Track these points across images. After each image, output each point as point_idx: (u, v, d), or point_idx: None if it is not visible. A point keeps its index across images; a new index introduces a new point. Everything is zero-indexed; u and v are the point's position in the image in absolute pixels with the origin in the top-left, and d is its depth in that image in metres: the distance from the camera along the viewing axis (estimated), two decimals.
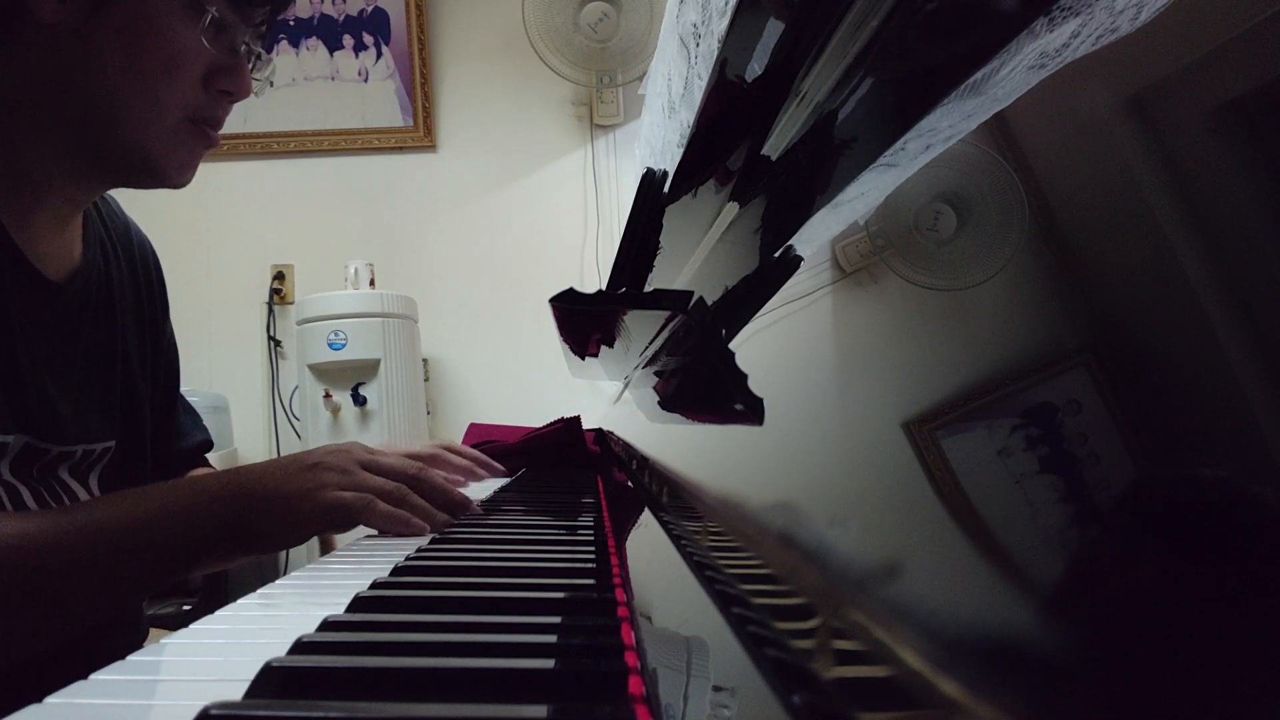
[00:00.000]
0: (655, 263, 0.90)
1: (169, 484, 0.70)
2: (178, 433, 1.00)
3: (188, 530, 0.66)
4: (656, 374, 0.84)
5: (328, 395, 2.45)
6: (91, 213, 0.87)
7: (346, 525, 0.69)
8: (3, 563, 0.59)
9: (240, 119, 2.85)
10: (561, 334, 0.93)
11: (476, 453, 1.10)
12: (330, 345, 2.43)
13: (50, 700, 0.29)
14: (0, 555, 0.58)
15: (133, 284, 0.92)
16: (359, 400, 2.45)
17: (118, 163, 0.77)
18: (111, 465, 0.85)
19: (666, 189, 0.86)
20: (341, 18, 2.95)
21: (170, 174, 0.79)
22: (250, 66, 0.81)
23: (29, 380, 0.74)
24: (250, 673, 0.30)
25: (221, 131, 0.81)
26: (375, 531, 0.71)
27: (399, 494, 0.71)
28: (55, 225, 0.79)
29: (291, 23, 2.93)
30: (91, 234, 0.86)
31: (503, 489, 1.06)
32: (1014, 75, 0.32)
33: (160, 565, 0.66)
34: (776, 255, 0.57)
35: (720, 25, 0.89)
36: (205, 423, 1.07)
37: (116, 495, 0.69)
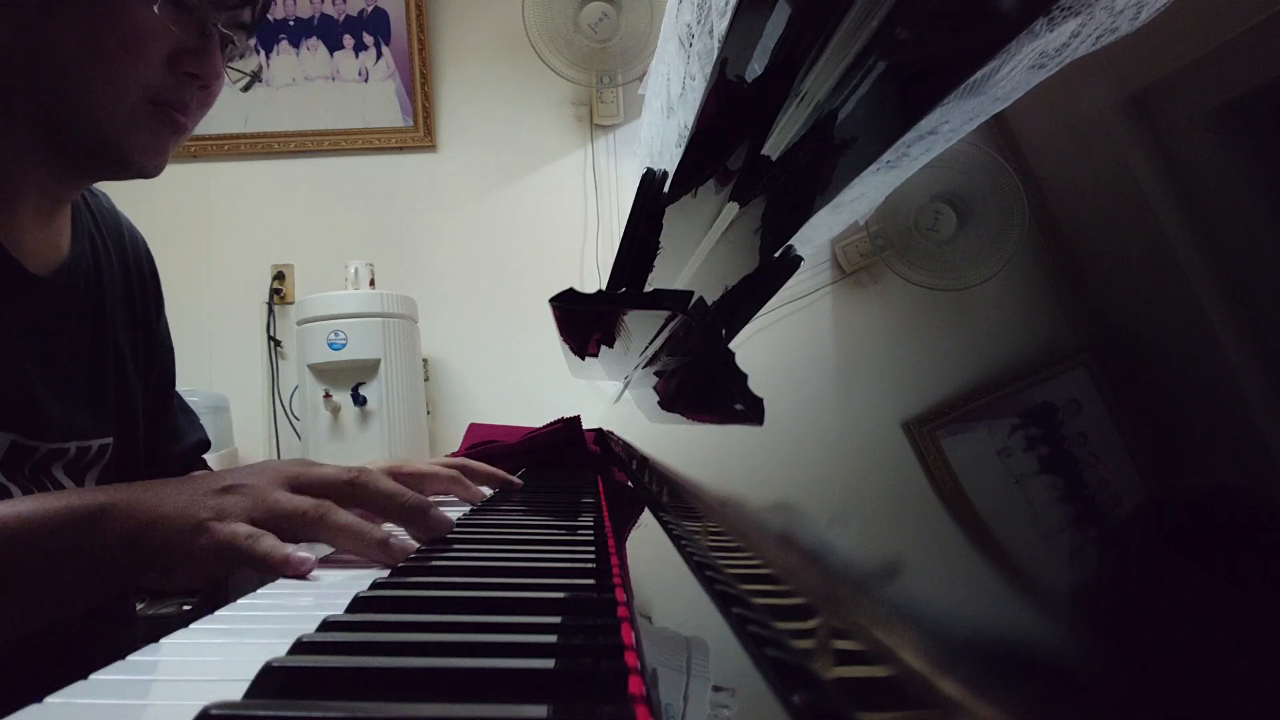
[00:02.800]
0: (655, 263, 0.90)
1: (48, 494, 0.58)
2: (174, 433, 0.98)
3: (57, 554, 0.54)
4: (656, 374, 0.84)
5: (328, 395, 2.45)
6: (81, 207, 0.86)
7: (247, 566, 0.55)
8: None
9: (240, 119, 2.85)
10: (561, 334, 0.93)
11: (495, 470, 1.06)
12: (330, 345, 2.43)
13: (50, 700, 0.29)
14: None
15: (124, 279, 0.90)
16: (359, 400, 2.45)
17: (81, 148, 0.74)
18: (112, 464, 0.84)
19: (666, 189, 0.86)
20: (341, 18, 2.95)
21: (134, 159, 0.75)
22: (225, 53, 0.78)
23: (11, 376, 0.72)
24: (250, 673, 0.30)
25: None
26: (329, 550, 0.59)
27: (317, 515, 0.58)
28: (38, 220, 0.78)
29: (291, 23, 2.93)
30: (81, 229, 0.85)
31: (503, 489, 1.06)
32: (1014, 75, 0.32)
33: (32, 596, 0.54)
34: (776, 255, 0.57)
35: (719, 25, 0.89)
36: (205, 423, 1.05)
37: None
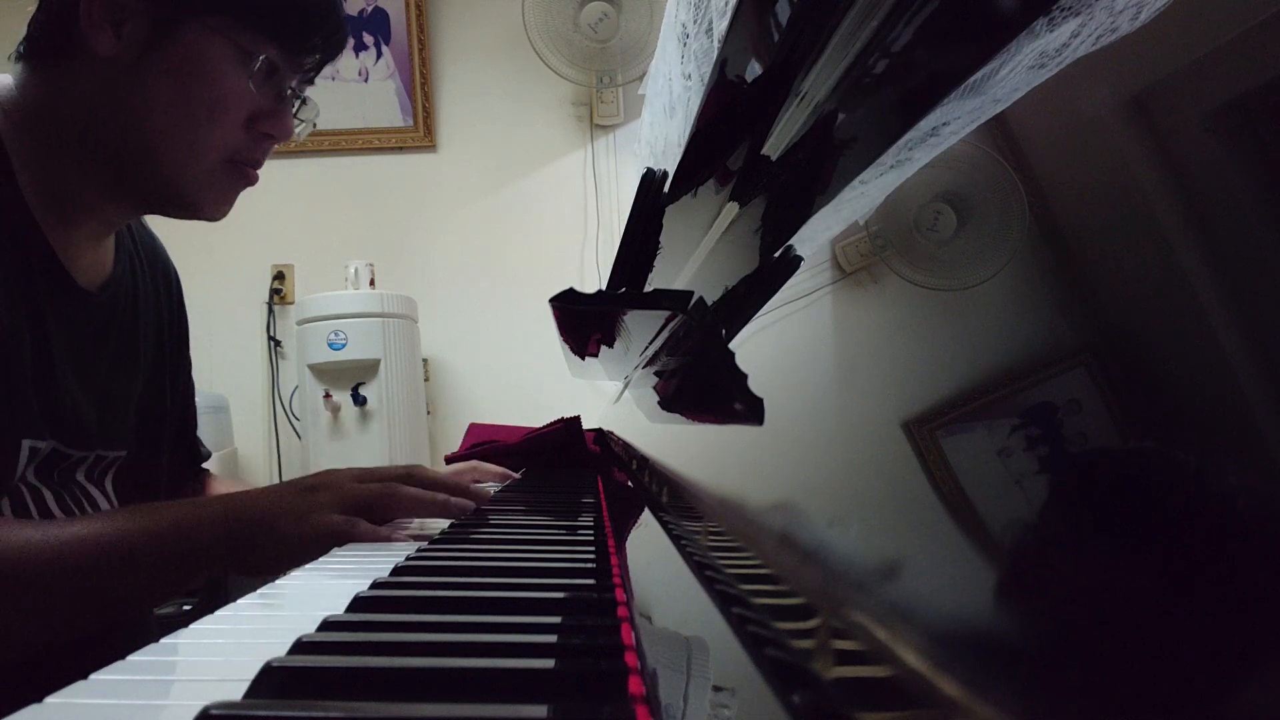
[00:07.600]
0: (655, 263, 0.90)
1: (169, 504, 0.71)
2: (190, 451, 1.03)
3: (187, 549, 0.66)
4: (656, 374, 0.84)
5: (328, 395, 2.45)
6: (123, 230, 0.89)
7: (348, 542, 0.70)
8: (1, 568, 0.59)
9: None
10: (561, 334, 0.93)
11: (501, 469, 1.13)
12: (330, 345, 2.43)
13: (50, 700, 0.29)
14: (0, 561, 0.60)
15: (155, 305, 0.94)
16: (359, 400, 2.44)
17: (154, 195, 0.79)
18: (124, 469, 0.87)
19: (666, 189, 0.86)
20: None
21: (205, 209, 0.80)
22: (294, 110, 0.83)
23: (61, 386, 0.76)
24: (250, 673, 0.30)
25: None
26: None
27: (388, 491, 0.72)
28: (91, 241, 0.81)
29: None
30: (123, 250, 0.88)
31: (503, 489, 1.06)
32: (1014, 75, 0.32)
33: (155, 583, 0.67)
34: (776, 255, 0.57)
35: (719, 25, 0.89)
36: (205, 422, 1.10)
37: (118, 511, 0.70)
